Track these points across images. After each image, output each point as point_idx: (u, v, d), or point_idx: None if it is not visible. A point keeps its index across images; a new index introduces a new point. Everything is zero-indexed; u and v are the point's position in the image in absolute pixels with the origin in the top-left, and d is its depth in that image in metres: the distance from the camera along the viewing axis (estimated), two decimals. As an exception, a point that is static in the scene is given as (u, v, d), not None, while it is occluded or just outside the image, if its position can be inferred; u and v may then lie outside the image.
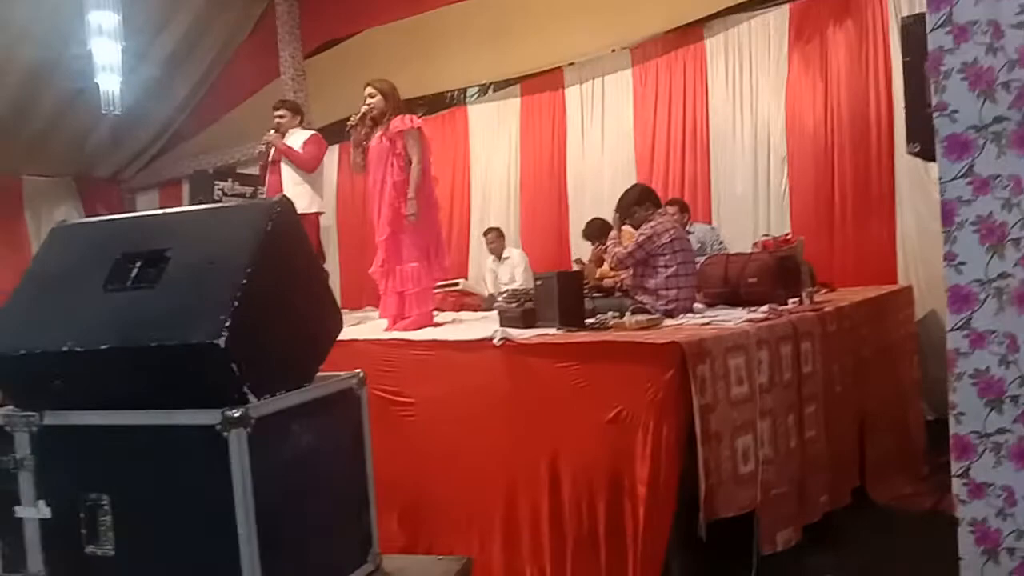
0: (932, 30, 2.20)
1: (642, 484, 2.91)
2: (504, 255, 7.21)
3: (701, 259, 5.18)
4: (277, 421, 1.78)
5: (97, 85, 8.89)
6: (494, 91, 8.67)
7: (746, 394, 3.17)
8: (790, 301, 4.22)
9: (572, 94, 7.55)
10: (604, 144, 7.33)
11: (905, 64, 4.01)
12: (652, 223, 4.26)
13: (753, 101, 6.60)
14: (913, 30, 3.85)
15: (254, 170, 10.16)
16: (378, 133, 4.81)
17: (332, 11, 9.41)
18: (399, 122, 4.80)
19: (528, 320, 3.81)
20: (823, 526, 3.69)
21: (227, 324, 1.68)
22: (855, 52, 6.15)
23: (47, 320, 1.89)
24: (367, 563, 2.10)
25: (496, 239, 7.25)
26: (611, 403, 2.99)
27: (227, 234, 1.89)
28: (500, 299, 6.55)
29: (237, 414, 1.67)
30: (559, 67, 7.59)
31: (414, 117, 4.98)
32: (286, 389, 1.88)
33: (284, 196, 1.93)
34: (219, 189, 7.69)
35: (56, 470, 1.88)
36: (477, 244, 8.11)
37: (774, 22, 6.53)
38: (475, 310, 6.29)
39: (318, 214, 5.63)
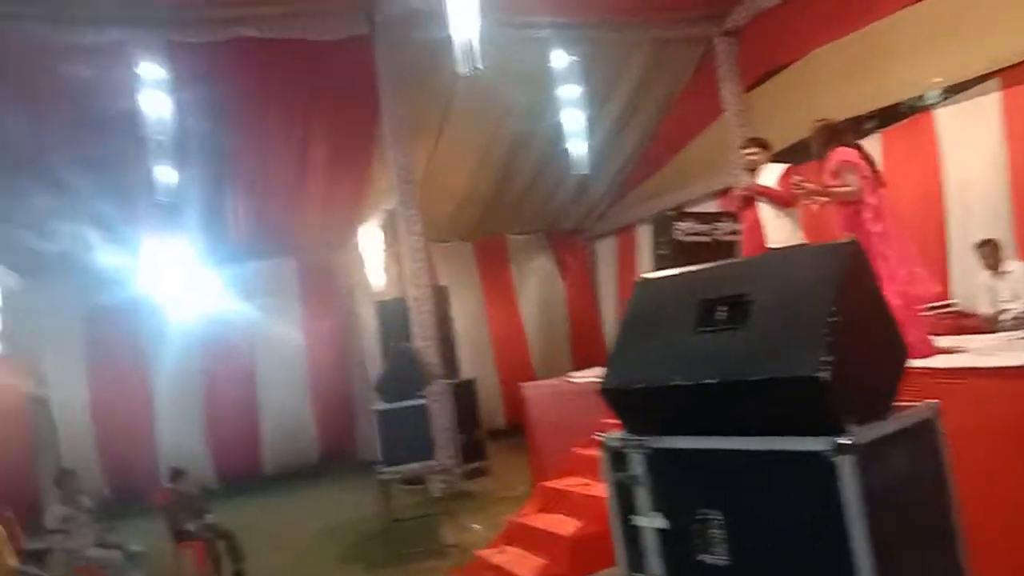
0: None
1: None
2: (1003, 268, 6.41)
3: None
4: (876, 448, 1.88)
5: (564, 150, 10.19)
6: (959, 91, 7.88)
7: None
8: None
9: (1071, 76, 6.51)
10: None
11: None
12: None
13: None
14: None
15: (708, 208, 10.63)
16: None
17: (773, 40, 9.44)
18: (831, 163, 4.83)
19: (1076, 341, 3.37)
20: None
21: (826, 358, 1.84)
22: None
23: (652, 359, 2.25)
24: (963, 598, 2.08)
25: (992, 252, 6.48)
26: None
27: (803, 275, 2.07)
28: (1007, 319, 5.88)
29: (846, 442, 1.81)
30: (1053, 48, 6.61)
31: (841, 151, 4.86)
32: (872, 419, 1.97)
33: (854, 239, 2.03)
34: (678, 229, 8.11)
35: (669, 487, 2.22)
36: (959, 260, 7.35)
37: None
38: (976, 332, 5.69)
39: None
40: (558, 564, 4.24)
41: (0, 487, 7.09)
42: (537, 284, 13.93)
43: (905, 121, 8.31)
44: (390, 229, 11.26)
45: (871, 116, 9.31)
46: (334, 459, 12.24)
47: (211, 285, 11.29)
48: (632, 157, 12.10)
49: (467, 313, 12.73)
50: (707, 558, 2.11)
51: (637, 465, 2.27)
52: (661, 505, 2.23)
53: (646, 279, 2.51)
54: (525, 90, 10.15)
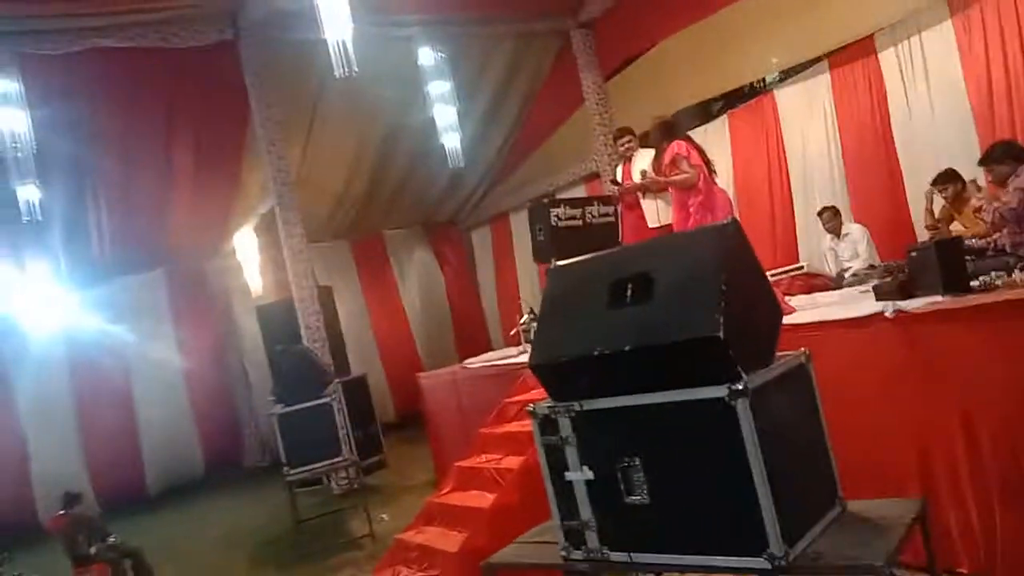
0: None
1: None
2: (843, 232, 7.20)
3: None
4: (764, 391, 2.27)
5: (436, 145, 10.39)
6: (795, 73, 8.71)
7: None
8: None
9: (887, 58, 7.35)
10: (932, 102, 7.04)
11: None
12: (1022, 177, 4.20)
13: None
14: None
15: (575, 192, 11.15)
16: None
17: (625, 32, 10.02)
18: (666, 156, 5.44)
19: (906, 291, 3.97)
20: None
21: (721, 320, 2.21)
22: None
23: (573, 334, 2.57)
24: (836, 506, 2.52)
25: (832, 218, 7.26)
26: (1026, 359, 3.10)
27: (695, 253, 2.44)
28: (849, 276, 6.65)
29: (740, 387, 2.19)
30: (870, 34, 7.45)
31: (674, 145, 5.44)
32: (760, 367, 2.37)
33: (734, 219, 2.42)
34: (554, 216, 8.52)
35: (594, 442, 2.55)
36: (805, 227, 8.17)
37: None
38: (824, 290, 6.41)
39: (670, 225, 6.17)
40: (479, 535, 4.52)
41: None
42: (417, 277, 14.13)
43: (750, 102, 9.08)
44: (265, 233, 11.14)
45: (717, 99, 10.11)
46: (220, 470, 12.01)
47: (77, 305, 10.82)
48: (502, 148, 12.48)
49: (349, 311, 12.75)
50: (630, 500, 2.45)
51: (565, 427, 2.59)
52: (588, 460, 2.56)
53: (559, 267, 2.82)
54: (393, 88, 10.26)
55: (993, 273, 3.88)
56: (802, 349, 2.56)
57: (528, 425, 5.16)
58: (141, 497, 11.23)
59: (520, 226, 13.09)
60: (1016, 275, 3.71)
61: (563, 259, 8.44)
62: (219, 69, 8.81)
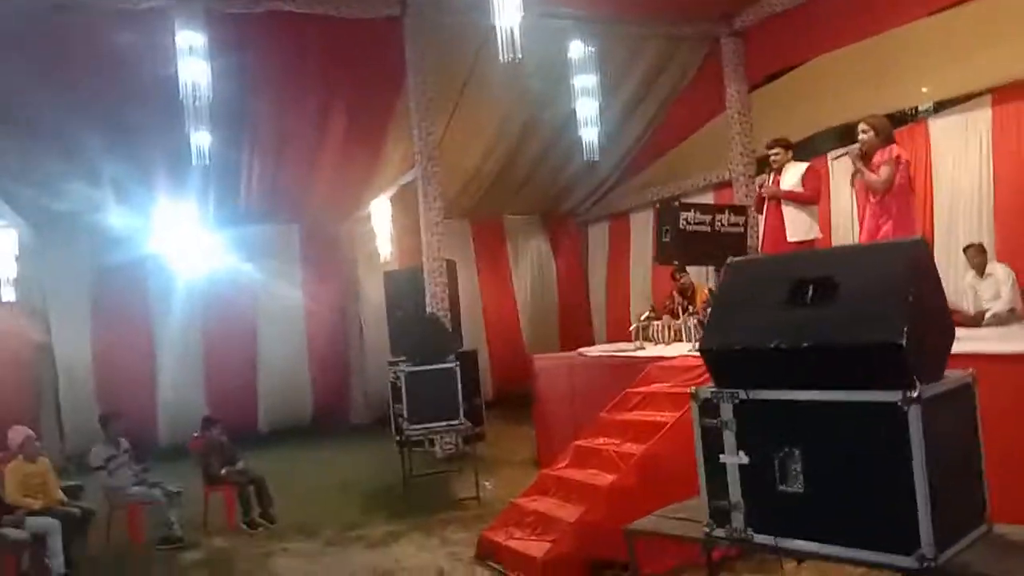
0: None
1: None
2: (987, 271, 7.03)
3: None
4: (935, 402, 2.39)
5: (571, 137, 10.60)
6: (953, 105, 8.48)
7: None
8: None
9: (1057, 99, 7.15)
10: (1102, 149, 6.81)
11: None
12: None
13: None
14: None
15: (701, 199, 11.15)
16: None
17: (779, 44, 9.94)
18: (878, 156, 5.30)
19: (1064, 335, 3.96)
20: None
21: (904, 329, 2.35)
22: None
23: (748, 326, 2.74)
24: (984, 524, 2.61)
25: (977, 254, 7.10)
26: None
27: (883, 263, 2.57)
28: (988, 317, 6.51)
29: (915, 395, 2.32)
30: (1042, 73, 7.23)
31: (893, 148, 5.38)
32: (932, 379, 2.48)
33: (923, 237, 2.53)
34: (684, 218, 8.57)
35: (753, 429, 2.72)
36: (944, 260, 7.95)
37: None
38: (960, 327, 6.28)
39: (816, 239, 6.19)
40: (596, 510, 4.74)
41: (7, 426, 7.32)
42: (530, 264, 14.43)
43: (901, 129, 8.88)
44: (399, 202, 11.63)
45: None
46: (327, 421, 12.64)
47: (218, 246, 11.55)
48: (634, 147, 12.59)
49: (463, 288, 13.12)
50: (783, 488, 2.61)
51: (727, 412, 2.77)
52: (744, 445, 2.73)
53: (737, 262, 2.99)
54: (540, 77, 10.54)
55: None
56: (969, 369, 2.66)
57: (651, 415, 5.41)
58: (252, 434, 11.89)
59: (639, 225, 13.20)
60: None
61: (686, 263, 8.53)
62: (380, 42, 9.28)
